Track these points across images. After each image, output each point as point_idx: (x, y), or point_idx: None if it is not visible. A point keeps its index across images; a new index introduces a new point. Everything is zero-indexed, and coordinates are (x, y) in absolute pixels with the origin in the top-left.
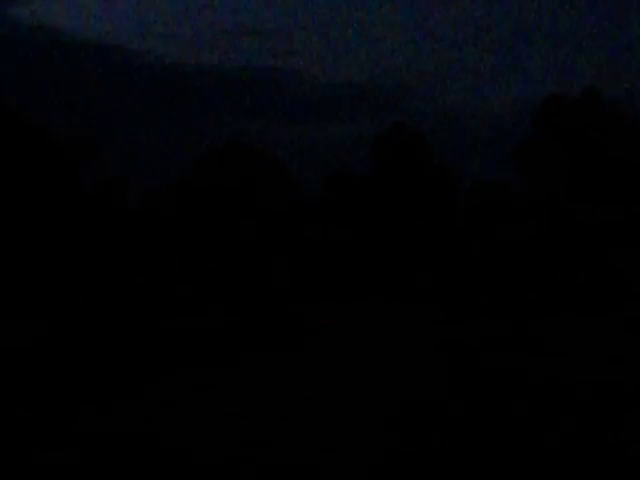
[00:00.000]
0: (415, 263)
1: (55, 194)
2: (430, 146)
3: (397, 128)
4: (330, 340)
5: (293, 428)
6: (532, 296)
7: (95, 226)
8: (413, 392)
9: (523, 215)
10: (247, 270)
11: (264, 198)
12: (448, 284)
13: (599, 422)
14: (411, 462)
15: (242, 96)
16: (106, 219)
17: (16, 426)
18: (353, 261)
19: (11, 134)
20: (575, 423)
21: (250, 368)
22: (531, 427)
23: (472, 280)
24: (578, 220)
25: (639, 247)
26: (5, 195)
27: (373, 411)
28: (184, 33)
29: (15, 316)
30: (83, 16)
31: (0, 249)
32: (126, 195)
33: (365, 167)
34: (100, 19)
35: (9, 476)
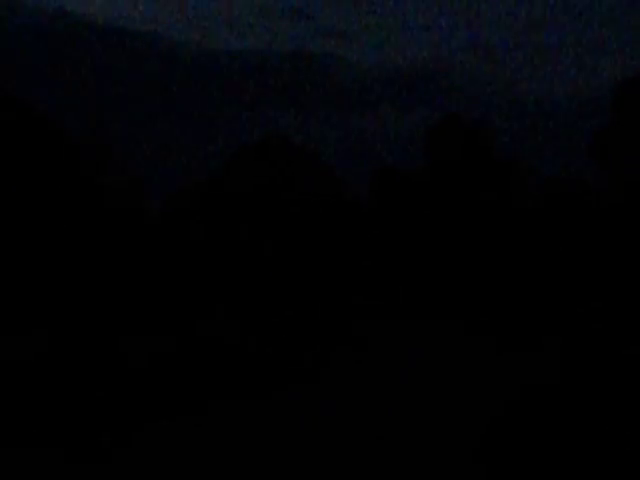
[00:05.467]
0: (473, 277)
1: (70, 196)
2: (492, 138)
3: (453, 118)
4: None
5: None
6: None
7: (112, 234)
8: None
9: (604, 216)
10: (282, 283)
11: (305, 199)
12: (510, 301)
13: None
14: None
15: (278, 84)
16: (123, 225)
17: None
18: (404, 270)
19: (24, 130)
20: None
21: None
22: None
23: (539, 297)
24: None
25: None
26: (18, 195)
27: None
28: (215, 15)
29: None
30: (106, 1)
31: (13, 251)
32: (142, 197)
33: (417, 161)
34: (125, 3)
35: None
